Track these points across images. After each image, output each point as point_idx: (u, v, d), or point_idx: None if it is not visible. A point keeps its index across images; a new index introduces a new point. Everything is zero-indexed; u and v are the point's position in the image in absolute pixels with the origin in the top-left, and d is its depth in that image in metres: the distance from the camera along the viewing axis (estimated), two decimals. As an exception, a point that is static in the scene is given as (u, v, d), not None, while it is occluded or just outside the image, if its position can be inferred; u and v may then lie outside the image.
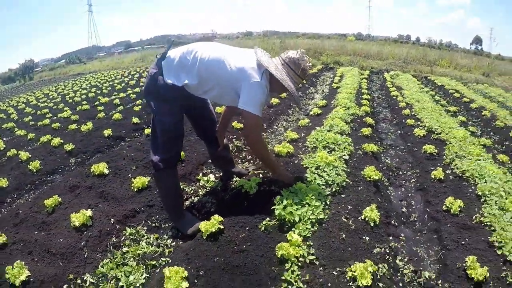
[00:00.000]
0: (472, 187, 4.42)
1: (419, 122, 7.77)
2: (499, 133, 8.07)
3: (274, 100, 8.94)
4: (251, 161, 5.18)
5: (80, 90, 17.60)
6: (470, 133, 7.36)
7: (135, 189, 4.10)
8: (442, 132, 6.80)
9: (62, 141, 6.65)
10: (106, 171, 4.56)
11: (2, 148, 6.94)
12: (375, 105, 10.67)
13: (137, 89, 14.12)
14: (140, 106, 9.53)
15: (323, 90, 12.11)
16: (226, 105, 3.88)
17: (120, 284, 2.86)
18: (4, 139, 8.04)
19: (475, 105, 10.67)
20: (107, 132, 7.14)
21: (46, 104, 14.42)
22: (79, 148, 6.49)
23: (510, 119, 9.26)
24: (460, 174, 4.85)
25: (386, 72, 19.87)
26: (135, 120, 8.07)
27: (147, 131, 6.73)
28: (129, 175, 4.51)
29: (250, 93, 3.06)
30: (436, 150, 5.83)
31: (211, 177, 4.68)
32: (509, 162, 5.82)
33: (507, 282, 2.79)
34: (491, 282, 2.80)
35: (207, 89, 3.21)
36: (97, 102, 11.86)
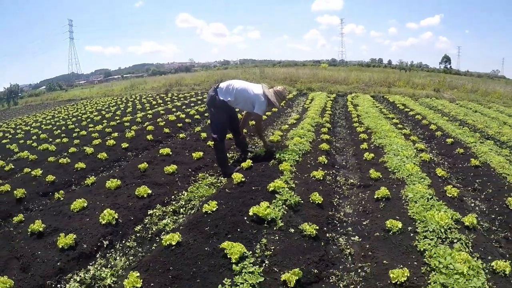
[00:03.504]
0: (383, 150, 7.92)
1: (361, 124, 11.42)
2: (423, 128, 12.15)
3: (268, 114, 12.68)
4: (255, 146, 8.49)
5: (89, 113, 19.98)
6: (395, 127, 11.00)
7: (195, 158, 7.34)
8: (374, 128, 10.31)
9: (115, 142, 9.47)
10: (170, 152, 7.71)
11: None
12: (335, 117, 14.42)
13: (150, 111, 16.74)
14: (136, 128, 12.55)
15: (297, 110, 15.69)
16: (246, 112, 7.31)
17: (199, 194, 5.93)
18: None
19: (413, 113, 14.87)
20: (149, 136, 10.11)
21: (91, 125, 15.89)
22: (132, 146, 9.33)
23: (436, 119, 13.22)
24: (377, 145, 8.39)
25: (349, 94, 23.51)
26: (167, 130, 11.11)
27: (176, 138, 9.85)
28: (186, 152, 7.74)
29: (260, 105, 6.57)
30: (367, 137, 9.40)
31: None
32: (418, 140, 9.70)
33: (392, 178, 6.14)
34: (383, 179, 6.20)
35: (238, 103, 6.74)
36: (127, 118, 14.55)
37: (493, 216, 5.66)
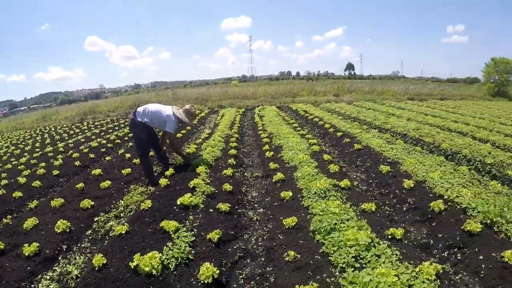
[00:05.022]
0: (282, 148, 9.61)
1: (265, 131, 13.16)
2: (319, 127, 14.27)
3: (182, 132, 13.91)
4: (174, 158, 9.77)
5: (6, 148, 18.84)
6: (293, 130, 12.89)
7: (125, 174, 8.49)
8: (276, 133, 12.04)
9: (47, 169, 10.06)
10: (102, 172, 8.77)
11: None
12: (244, 129, 16.12)
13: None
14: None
15: (209, 126, 17.14)
16: (162, 130, 8.44)
17: (134, 200, 7.08)
18: None
19: (312, 116, 17.18)
20: (77, 162, 10.71)
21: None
22: (63, 173, 9.77)
23: (332, 119, 15.44)
24: (277, 145, 10.07)
25: (257, 107, 25.32)
26: (92, 155, 11.85)
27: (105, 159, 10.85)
28: (116, 171, 8.86)
29: (170, 124, 7.77)
30: (269, 140, 11.08)
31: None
32: (312, 137, 11.36)
33: (287, 167, 7.67)
34: (280, 169, 7.67)
35: (154, 123, 7.96)
36: (48, 149, 14.57)
37: (371, 181, 7.80)
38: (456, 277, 4.44)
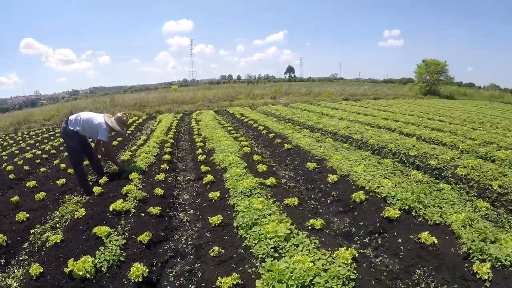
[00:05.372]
0: (214, 151, 10.04)
1: (200, 135, 13.53)
2: (253, 130, 15.05)
3: (118, 139, 13.99)
4: (110, 166, 9.92)
5: None
6: (228, 133, 13.37)
7: (60, 185, 8.54)
8: (210, 137, 12.46)
9: None
10: (36, 184, 8.75)
11: None
12: (180, 134, 16.43)
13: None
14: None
15: (146, 132, 17.22)
16: (95, 139, 8.55)
17: (69, 210, 7.22)
18: None
19: (247, 119, 17.85)
20: (11, 176, 10.49)
21: None
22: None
23: (266, 121, 16.22)
24: (210, 149, 10.49)
25: (195, 112, 25.62)
26: (26, 167, 11.77)
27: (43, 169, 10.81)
28: (51, 182, 8.92)
29: (102, 132, 7.90)
30: (203, 144, 11.47)
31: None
32: (245, 139, 11.88)
33: (217, 169, 8.06)
34: (211, 171, 8.05)
35: (86, 132, 8.03)
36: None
37: (298, 178, 8.48)
38: (377, 260, 4.96)
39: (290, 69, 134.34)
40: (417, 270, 4.64)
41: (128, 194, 6.66)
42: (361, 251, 5.15)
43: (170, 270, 4.81)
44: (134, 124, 19.49)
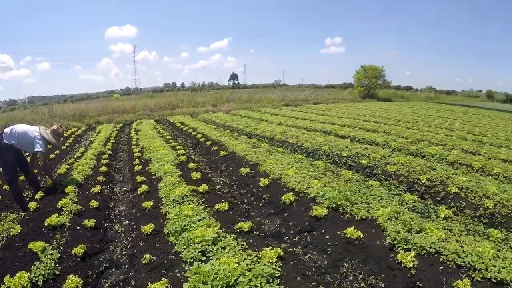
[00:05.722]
0: (151, 161, 10.24)
1: (138, 145, 13.65)
2: (192, 138, 15.45)
3: (56, 152, 13.71)
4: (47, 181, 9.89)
5: None
6: (166, 142, 13.61)
7: (-6, 202, 8.50)
8: (148, 146, 12.63)
9: None
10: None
11: None
12: (119, 145, 16.37)
13: None
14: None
15: (85, 144, 16.88)
16: (31, 152, 8.48)
17: (5, 228, 7.14)
18: None
19: (186, 128, 18.27)
20: None
21: None
22: None
23: (205, 129, 16.55)
24: (147, 159, 10.72)
25: (135, 122, 25.38)
26: None
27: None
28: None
29: (38, 145, 7.87)
30: (140, 154, 11.64)
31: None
32: (183, 148, 12.13)
33: (153, 178, 8.28)
34: (147, 181, 8.26)
35: (22, 145, 7.99)
36: None
37: (232, 183, 8.87)
38: (305, 257, 5.36)
39: (234, 76, 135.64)
40: (344, 264, 5.04)
41: (63, 208, 6.74)
42: (290, 249, 5.57)
43: (105, 280, 5.01)
44: (73, 135, 19.08)
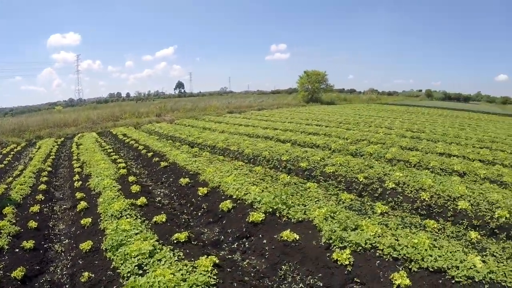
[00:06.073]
0: (91, 176, 10.26)
1: (79, 160, 13.59)
2: (134, 150, 15.21)
3: None
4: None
5: None
6: (107, 156, 13.61)
7: None
8: (88, 161, 12.59)
9: None
10: None
11: None
12: (60, 160, 16.22)
13: None
14: None
15: (24, 161, 16.49)
16: None
17: None
18: None
19: (129, 140, 18.24)
20: None
21: None
22: None
23: (148, 140, 16.68)
24: (87, 174, 10.73)
25: (77, 135, 24.81)
26: None
27: None
28: None
29: None
30: (81, 170, 11.62)
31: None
32: (124, 161, 12.08)
33: (92, 194, 8.37)
34: (86, 197, 8.35)
35: None
36: None
37: (173, 194, 9.13)
38: (244, 263, 5.61)
39: (180, 85, 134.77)
40: (282, 267, 5.33)
41: (1, 231, 6.68)
42: (229, 256, 5.86)
43: (46, 301, 5.05)
44: (12, 152, 18.58)
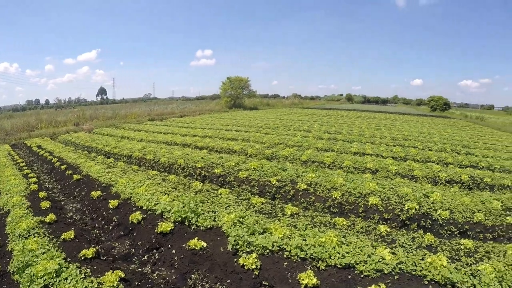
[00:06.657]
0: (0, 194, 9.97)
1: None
2: (48, 163, 14.84)
3: None
4: None
5: None
6: (19, 170, 13.10)
7: None
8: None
9: None
10: None
11: None
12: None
13: None
14: None
15: None
16: None
17: None
18: None
19: (43, 152, 17.62)
20: None
21: None
22: None
23: (63, 152, 15.99)
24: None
25: (-13, 149, 23.31)
26: None
27: None
28: None
29: None
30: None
31: None
32: (35, 175, 11.81)
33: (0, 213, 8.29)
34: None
35: None
36: None
37: (85, 209, 9.12)
38: (154, 275, 5.74)
39: (103, 91, 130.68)
40: (192, 275, 5.52)
41: None
42: (139, 269, 5.96)
43: None
44: None
